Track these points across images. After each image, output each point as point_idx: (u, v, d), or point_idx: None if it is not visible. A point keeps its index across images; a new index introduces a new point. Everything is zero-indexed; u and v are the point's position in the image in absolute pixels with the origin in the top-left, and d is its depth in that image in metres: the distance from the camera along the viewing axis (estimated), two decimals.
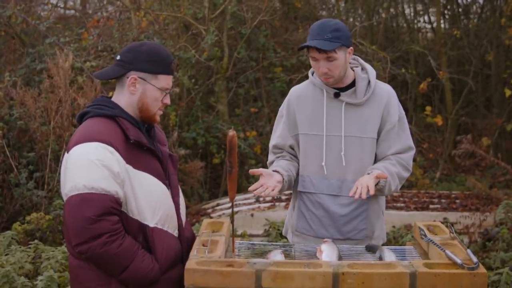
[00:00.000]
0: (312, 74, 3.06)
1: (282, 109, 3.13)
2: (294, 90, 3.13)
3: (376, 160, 2.98)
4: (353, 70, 2.99)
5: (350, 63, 3.00)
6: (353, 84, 2.97)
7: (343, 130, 2.94)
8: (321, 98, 2.99)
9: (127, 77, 2.41)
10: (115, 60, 2.47)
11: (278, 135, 3.11)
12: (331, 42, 2.81)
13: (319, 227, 3.00)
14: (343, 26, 2.89)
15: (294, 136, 3.05)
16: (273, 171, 2.91)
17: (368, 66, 3.04)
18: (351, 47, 2.91)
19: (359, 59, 3.06)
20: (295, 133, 3.05)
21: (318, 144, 2.97)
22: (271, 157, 3.16)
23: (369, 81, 2.98)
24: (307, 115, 3.01)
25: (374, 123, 2.94)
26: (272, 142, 3.15)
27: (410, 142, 3.02)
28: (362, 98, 2.94)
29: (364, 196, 2.66)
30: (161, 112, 2.49)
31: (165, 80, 2.44)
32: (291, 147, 3.07)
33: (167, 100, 2.48)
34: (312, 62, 2.92)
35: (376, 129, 2.95)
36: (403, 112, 3.04)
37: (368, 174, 2.80)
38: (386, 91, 3.00)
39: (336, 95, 2.96)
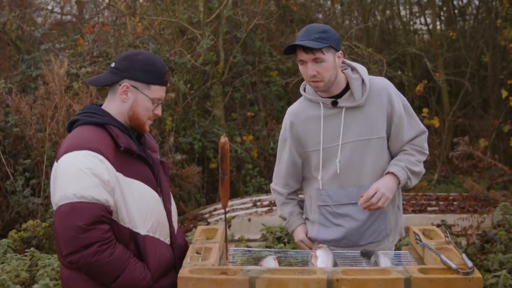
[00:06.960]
0: (304, 90, 3.00)
1: (284, 133, 3.06)
2: (292, 110, 3.06)
3: (392, 156, 2.98)
4: (343, 73, 2.93)
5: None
6: (347, 87, 2.92)
7: (348, 136, 2.89)
8: (319, 111, 2.93)
9: (120, 85, 2.39)
10: (109, 67, 2.46)
11: (285, 170, 3.09)
12: (318, 41, 2.76)
13: (342, 237, 2.97)
14: (332, 30, 2.85)
15: (303, 153, 3.01)
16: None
17: (357, 65, 2.98)
18: (341, 51, 2.86)
19: (346, 60, 2.98)
20: (303, 151, 3.00)
21: (328, 157, 2.92)
22: (280, 197, 3.18)
23: (362, 80, 2.92)
24: (310, 131, 2.95)
25: (380, 122, 2.91)
26: (280, 179, 3.15)
27: (422, 126, 3.04)
28: (361, 99, 2.89)
29: (373, 207, 2.78)
30: (150, 122, 2.48)
31: (158, 91, 2.42)
32: (298, 175, 3.10)
33: (158, 111, 2.47)
34: (300, 67, 2.87)
35: (384, 127, 2.92)
36: (405, 98, 3.02)
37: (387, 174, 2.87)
38: (383, 85, 2.95)
39: (334, 104, 2.91)
